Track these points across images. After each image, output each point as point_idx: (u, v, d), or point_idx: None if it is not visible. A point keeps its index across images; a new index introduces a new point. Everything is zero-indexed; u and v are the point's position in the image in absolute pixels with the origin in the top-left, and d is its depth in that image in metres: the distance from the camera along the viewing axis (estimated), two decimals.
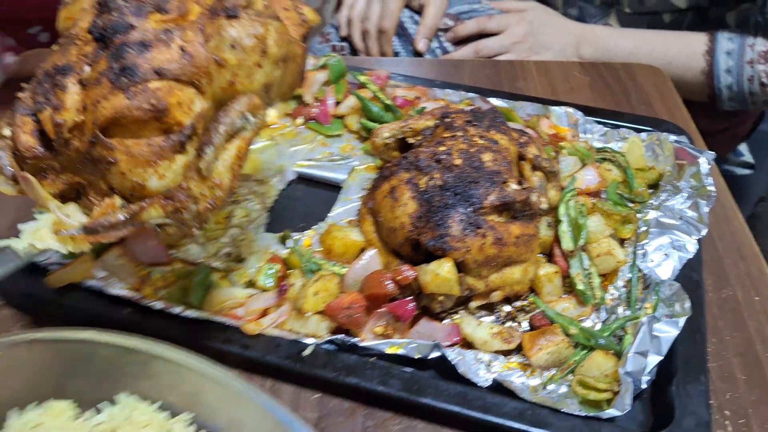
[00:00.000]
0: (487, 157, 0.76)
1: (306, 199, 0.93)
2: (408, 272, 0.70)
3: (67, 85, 0.55)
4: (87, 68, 0.56)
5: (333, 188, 0.93)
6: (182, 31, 0.56)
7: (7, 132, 0.59)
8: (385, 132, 0.85)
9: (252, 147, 0.98)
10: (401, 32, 1.42)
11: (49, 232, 0.54)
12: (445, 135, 0.79)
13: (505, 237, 0.72)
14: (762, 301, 0.82)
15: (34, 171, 0.57)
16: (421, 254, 0.74)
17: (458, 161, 0.75)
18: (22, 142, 0.56)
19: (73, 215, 0.55)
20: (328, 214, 0.88)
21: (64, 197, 0.57)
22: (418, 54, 1.41)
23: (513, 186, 0.74)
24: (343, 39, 1.48)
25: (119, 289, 0.74)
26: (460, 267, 0.71)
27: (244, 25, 0.55)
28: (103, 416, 0.61)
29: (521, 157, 0.81)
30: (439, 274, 0.69)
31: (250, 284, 0.80)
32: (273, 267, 0.79)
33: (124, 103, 0.52)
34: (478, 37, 1.39)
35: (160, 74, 0.53)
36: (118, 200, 0.53)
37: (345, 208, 0.89)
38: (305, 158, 0.97)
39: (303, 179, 0.95)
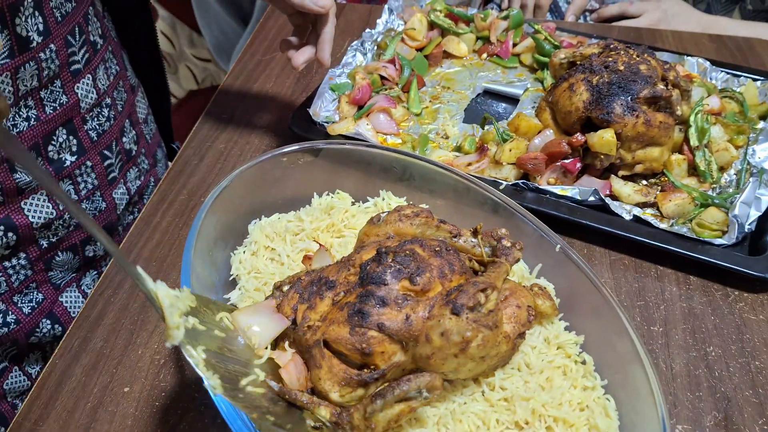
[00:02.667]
0: (642, 67, 1.03)
1: (491, 107, 1.25)
2: (579, 137, 1.01)
3: (325, 299, 0.70)
4: (342, 293, 0.70)
5: (511, 101, 1.25)
6: (416, 304, 0.67)
7: (285, 288, 0.75)
8: (561, 54, 1.17)
9: (448, 71, 1.33)
10: (554, 8, 1.74)
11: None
12: (611, 53, 1.10)
13: (652, 120, 1.00)
14: None
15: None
16: (588, 131, 1.04)
17: (621, 67, 1.03)
18: (284, 310, 0.73)
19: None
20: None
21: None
22: None
23: (661, 86, 1.03)
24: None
25: None
26: (617, 138, 1.01)
27: (459, 324, 0.65)
28: (370, 203, 0.94)
29: (664, 78, 1.10)
30: (604, 137, 0.99)
31: (457, 149, 1.13)
32: (473, 138, 1.12)
33: (345, 336, 0.66)
34: (618, 18, 1.68)
35: (380, 328, 0.66)
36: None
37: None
38: (489, 80, 1.30)
39: (488, 93, 1.27)
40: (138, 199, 1.14)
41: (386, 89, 1.18)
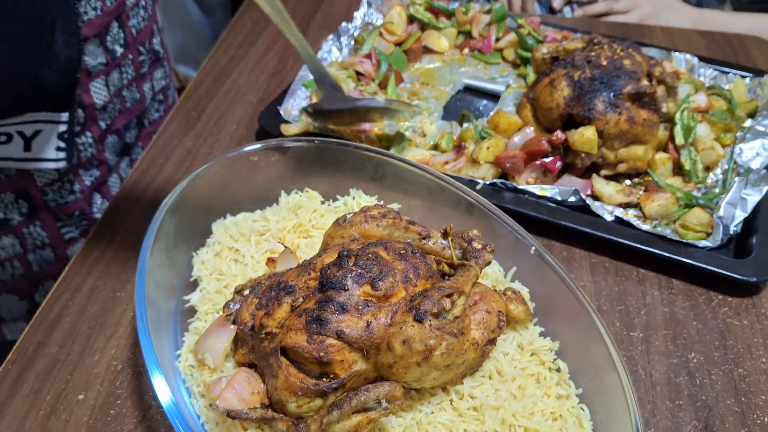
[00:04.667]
0: (626, 62, 0.98)
1: (472, 103, 1.21)
2: (559, 134, 0.97)
3: (283, 305, 0.67)
4: (301, 299, 0.66)
5: (493, 98, 1.22)
6: (377, 310, 0.64)
7: (246, 292, 0.74)
8: (544, 49, 1.13)
9: (428, 66, 1.29)
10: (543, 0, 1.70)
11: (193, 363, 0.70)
12: (594, 48, 1.06)
13: (635, 117, 0.97)
14: None
15: (239, 338, 0.72)
16: (569, 128, 1.00)
17: (604, 62, 0.99)
18: (242, 316, 0.70)
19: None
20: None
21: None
22: (552, 12, 1.68)
23: (645, 82, 0.99)
24: None
25: None
26: (599, 135, 0.97)
27: (422, 332, 0.61)
28: (340, 202, 0.91)
29: (649, 74, 1.06)
30: (585, 134, 0.95)
31: (434, 147, 1.09)
32: (451, 136, 1.08)
33: (302, 344, 0.63)
34: (605, 15, 1.64)
35: (339, 336, 0.62)
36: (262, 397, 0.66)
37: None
38: (470, 76, 1.26)
39: (469, 89, 1.24)
40: (163, 99, 1.27)
41: (362, 85, 1.15)
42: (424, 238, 0.77)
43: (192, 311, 0.80)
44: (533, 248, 0.78)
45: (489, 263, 0.74)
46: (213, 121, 1.15)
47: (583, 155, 0.97)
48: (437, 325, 0.63)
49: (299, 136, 1.04)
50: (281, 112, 1.08)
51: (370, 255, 0.68)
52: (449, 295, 0.66)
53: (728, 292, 0.88)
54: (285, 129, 1.05)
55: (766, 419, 0.74)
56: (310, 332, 0.64)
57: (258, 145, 0.89)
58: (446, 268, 0.76)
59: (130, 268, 0.89)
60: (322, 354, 0.63)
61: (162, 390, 0.63)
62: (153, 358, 0.65)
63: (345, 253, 0.69)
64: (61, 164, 0.96)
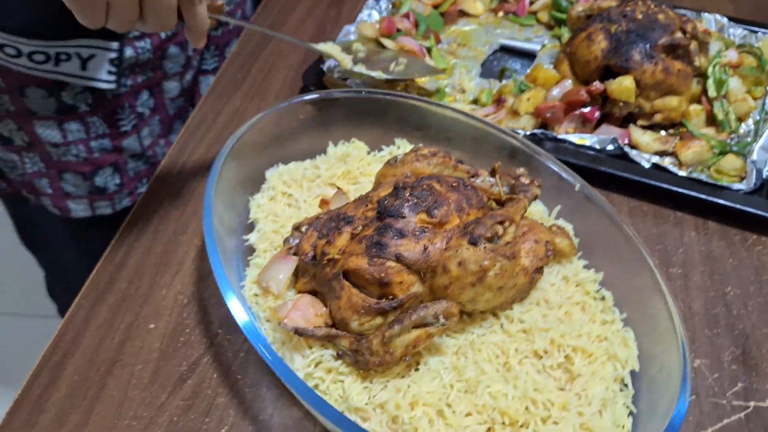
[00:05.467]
0: (660, 16, 1.02)
1: (508, 63, 1.24)
2: (598, 84, 1.01)
3: (343, 233, 0.71)
4: (361, 228, 0.71)
5: (528, 57, 1.25)
6: (433, 235, 0.68)
7: (303, 228, 0.78)
8: (579, 7, 1.16)
9: (464, 28, 1.33)
10: None
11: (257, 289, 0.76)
12: (629, 4, 1.09)
13: (670, 68, 1.00)
14: None
15: (299, 267, 0.76)
16: (607, 79, 1.03)
17: (639, 16, 1.02)
18: (303, 248, 0.74)
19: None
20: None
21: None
22: None
23: (679, 34, 1.02)
24: None
25: None
26: (636, 85, 1.00)
27: (476, 254, 0.66)
28: (385, 152, 0.95)
29: (682, 29, 1.09)
30: (623, 84, 0.98)
31: (474, 102, 1.13)
32: (490, 91, 1.12)
33: (364, 266, 0.67)
34: None
35: (398, 258, 0.67)
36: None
37: None
38: (506, 37, 1.29)
39: (505, 50, 1.27)
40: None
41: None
42: (472, 176, 0.81)
43: (251, 250, 0.84)
44: (577, 186, 0.82)
45: (536, 197, 0.78)
46: (258, 81, 1.19)
47: (621, 104, 1.00)
48: (491, 248, 0.67)
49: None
50: (324, 69, 1.12)
51: (424, 186, 0.73)
52: (501, 222, 0.70)
53: (762, 232, 0.91)
54: (329, 80, 1.09)
55: None
56: (371, 256, 0.68)
57: (308, 96, 0.93)
58: (494, 205, 0.80)
59: (189, 213, 0.94)
60: (382, 275, 0.67)
61: (237, 311, 0.67)
62: (226, 283, 0.69)
63: (401, 185, 0.73)
64: (112, 86, 1.05)
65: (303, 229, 0.80)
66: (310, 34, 1.33)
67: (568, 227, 0.84)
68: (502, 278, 0.68)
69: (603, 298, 0.78)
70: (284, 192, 0.90)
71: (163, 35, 1.11)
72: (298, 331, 0.69)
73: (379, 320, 0.69)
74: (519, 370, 0.69)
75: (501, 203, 0.79)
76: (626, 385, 0.70)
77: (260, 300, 0.77)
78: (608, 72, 1.03)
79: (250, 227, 0.87)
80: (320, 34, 1.32)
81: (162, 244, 0.90)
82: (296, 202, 0.89)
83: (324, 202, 0.86)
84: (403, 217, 0.70)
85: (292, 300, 0.73)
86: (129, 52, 1.06)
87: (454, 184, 0.74)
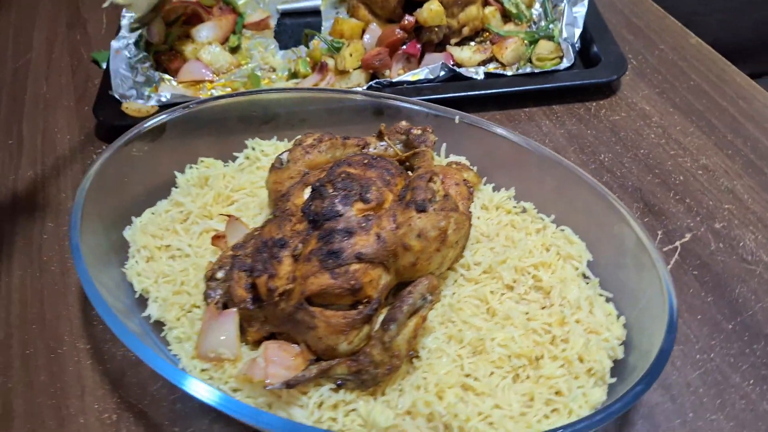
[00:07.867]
0: None
1: (298, 27, 1.18)
2: (409, 18, 1.00)
3: (283, 260, 0.62)
4: (300, 246, 0.63)
5: (313, 15, 1.20)
6: (379, 219, 0.63)
7: (220, 275, 0.68)
8: None
9: (240, 2, 1.23)
10: None
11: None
12: None
13: None
14: None
15: (241, 318, 0.66)
16: (412, 8, 1.04)
17: None
18: (238, 295, 0.65)
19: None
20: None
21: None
22: None
23: None
24: None
25: None
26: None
27: (431, 219, 0.62)
28: (241, 158, 0.85)
29: None
30: (431, 8, 0.99)
31: (293, 76, 1.06)
32: (304, 60, 1.05)
33: (329, 282, 0.60)
34: None
35: (359, 258, 0.61)
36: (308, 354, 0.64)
37: (330, 22, 1.16)
38: (281, 2, 1.22)
39: (287, 15, 1.20)
40: None
41: None
42: (363, 148, 0.76)
43: (159, 324, 0.71)
44: (456, 117, 0.81)
45: (435, 142, 0.76)
46: (40, 142, 0.98)
47: (435, 29, 1.01)
48: (439, 207, 0.64)
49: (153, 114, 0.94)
50: (116, 96, 0.96)
51: (341, 175, 0.67)
52: (430, 180, 0.67)
53: (599, 98, 1.00)
54: (130, 108, 0.94)
55: (681, 177, 0.88)
56: (330, 268, 0.61)
57: (133, 133, 0.79)
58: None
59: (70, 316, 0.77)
60: (352, 282, 0.61)
61: (207, 393, 0.57)
62: (175, 371, 0.58)
63: (317, 184, 0.66)
64: None
65: (219, 275, 0.69)
66: (66, 66, 1.13)
67: (462, 159, 0.84)
68: (458, 232, 0.66)
69: (524, 210, 0.80)
70: (159, 246, 0.77)
71: None
72: (290, 384, 0.60)
73: (366, 329, 0.63)
74: (504, 309, 0.68)
75: (403, 161, 0.76)
76: (588, 278, 0.73)
77: (215, 373, 0.66)
78: (409, 4, 1.02)
79: (143, 301, 0.73)
80: (81, 62, 1.13)
81: (46, 370, 0.72)
82: (180, 251, 0.77)
83: (217, 238, 0.75)
84: (341, 215, 0.63)
85: (258, 354, 0.64)
86: None
87: (365, 162, 0.69)
